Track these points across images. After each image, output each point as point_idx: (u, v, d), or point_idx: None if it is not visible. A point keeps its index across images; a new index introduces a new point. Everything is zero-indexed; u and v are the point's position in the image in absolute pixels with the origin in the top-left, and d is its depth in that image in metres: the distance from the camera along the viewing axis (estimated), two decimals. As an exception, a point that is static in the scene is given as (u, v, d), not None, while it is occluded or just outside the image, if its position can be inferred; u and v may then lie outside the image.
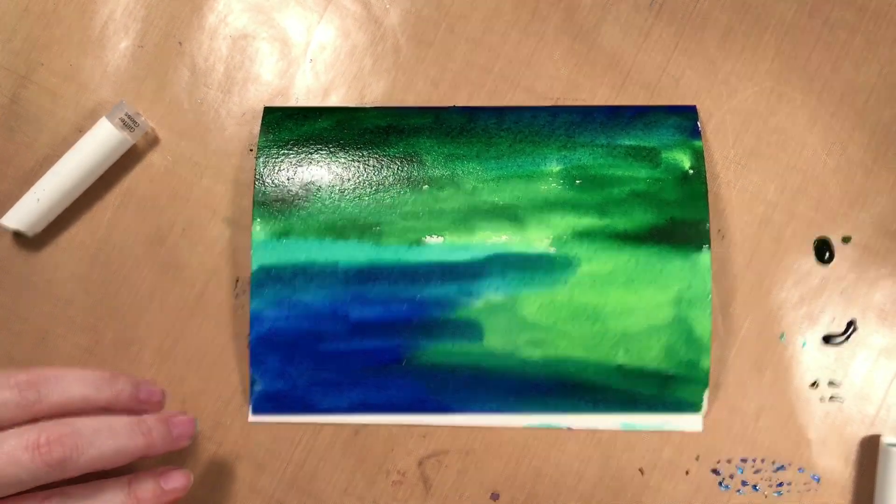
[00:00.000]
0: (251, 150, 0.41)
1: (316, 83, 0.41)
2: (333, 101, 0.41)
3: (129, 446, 0.31)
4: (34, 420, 0.30)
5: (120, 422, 0.31)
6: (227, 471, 0.39)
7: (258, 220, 0.39)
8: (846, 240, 0.39)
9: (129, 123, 0.39)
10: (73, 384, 0.31)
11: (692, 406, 0.38)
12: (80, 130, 0.40)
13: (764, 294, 0.39)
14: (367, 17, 0.42)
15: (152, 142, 0.41)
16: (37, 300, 0.40)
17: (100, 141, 0.39)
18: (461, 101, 0.41)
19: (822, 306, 0.39)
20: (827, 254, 0.39)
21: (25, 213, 0.39)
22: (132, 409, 0.33)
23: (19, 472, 0.28)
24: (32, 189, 0.39)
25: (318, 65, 0.41)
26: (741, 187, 0.40)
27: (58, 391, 0.30)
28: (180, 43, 0.41)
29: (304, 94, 0.41)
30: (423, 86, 0.41)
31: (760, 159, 0.40)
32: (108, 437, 0.30)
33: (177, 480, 0.33)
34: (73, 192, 0.39)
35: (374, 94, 0.41)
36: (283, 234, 0.39)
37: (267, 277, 0.38)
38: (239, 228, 0.40)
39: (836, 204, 0.39)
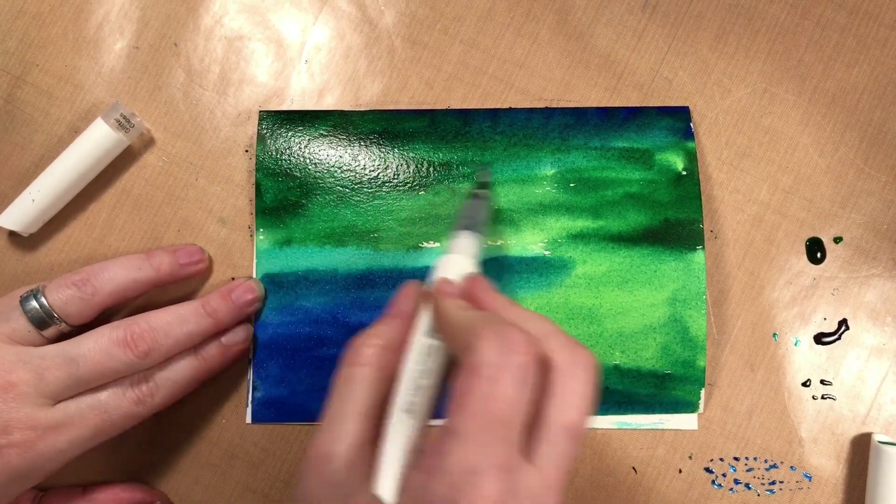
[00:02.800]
0: (246, 151, 0.41)
1: (311, 84, 0.41)
2: (328, 102, 0.41)
3: (198, 329, 0.36)
4: (97, 312, 0.36)
5: (188, 309, 0.36)
6: (223, 470, 0.39)
7: (261, 228, 0.39)
8: (838, 240, 0.39)
9: (124, 124, 0.39)
10: (118, 272, 0.36)
11: (689, 405, 0.38)
12: (76, 131, 0.40)
13: (756, 293, 0.39)
14: (362, 19, 0.42)
15: (148, 142, 0.41)
16: (32, 301, 0.40)
17: (95, 141, 0.39)
18: (455, 102, 0.41)
19: (813, 306, 0.39)
20: (819, 254, 0.39)
21: (21, 213, 0.39)
22: (178, 274, 0.38)
23: (117, 364, 0.34)
24: (28, 189, 0.39)
25: (313, 66, 0.41)
26: (734, 187, 0.40)
27: (107, 281, 0.35)
28: (176, 44, 0.41)
29: (299, 95, 0.41)
30: (418, 87, 0.41)
31: (753, 160, 0.40)
32: (179, 326, 0.35)
33: (237, 335, 0.38)
34: (68, 193, 0.39)
35: (368, 95, 0.41)
36: (286, 242, 0.39)
37: (271, 284, 0.39)
38: (234, 228, 0.40)
39: (828, 204, 0.40)
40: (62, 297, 0.34)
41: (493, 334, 0.25)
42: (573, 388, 0.26)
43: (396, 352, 0.31)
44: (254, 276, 0.39)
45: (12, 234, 0.40)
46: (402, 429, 0.28)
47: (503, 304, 0.29)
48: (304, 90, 0.41)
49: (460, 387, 0.25)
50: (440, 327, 0.30)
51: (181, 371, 0.36)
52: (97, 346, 0.34)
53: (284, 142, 0.40)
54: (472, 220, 0.34)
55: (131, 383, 0.35)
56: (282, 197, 0.39)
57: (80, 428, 0.33)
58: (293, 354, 0.39)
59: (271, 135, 0.40)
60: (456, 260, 0.32)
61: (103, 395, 0.34)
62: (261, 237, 0.39)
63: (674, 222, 0.38)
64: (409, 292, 0.33)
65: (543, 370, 0.26)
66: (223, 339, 0.38)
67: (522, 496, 0.24)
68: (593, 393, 0.26)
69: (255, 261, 0.39)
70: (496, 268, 0.38)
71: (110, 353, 0.34)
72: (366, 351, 0.30)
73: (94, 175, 0.40)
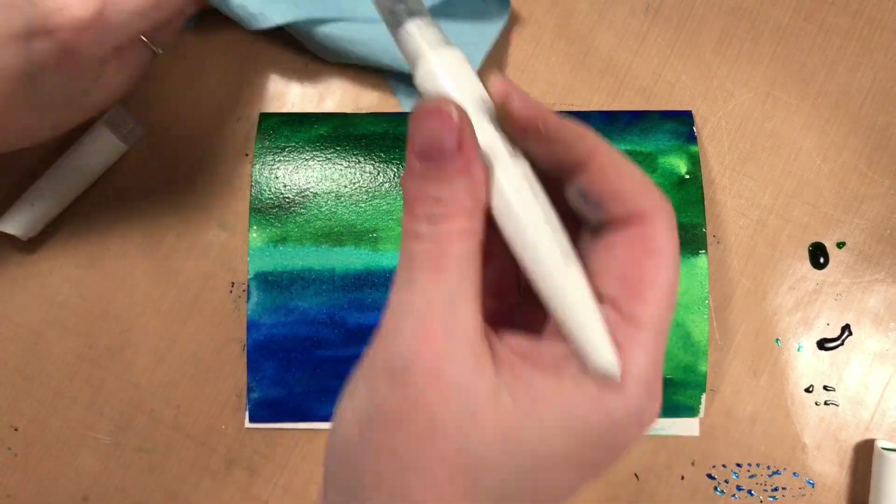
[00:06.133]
0: (246, 155, 0.41)
1: (311, 88, 0.41)
2: (328, 106, 0.41)
3: None
4: None
5: None
6: (222, 476, 0.39)
7: (255, 226, 0.39)
8: (841, 245, 0.39)
9: (123, 128, 0.39)
10: None
11: (690, 410, 0.38)
12: (74, 134, 0.40)
13: (759, 299, 0.39)
14: (363, 21, 0.41)
15: (147, 146, 0.41)
16: (31, 303, 0.40)
17: (94, 146, 0.39)
18: (457, 105, 0.41)
19: (816, 311, 0.39)
20: (822, 258, 0.39)
21: (19, 217, 0.39)
22: None
23: None
24: (26, 193, 0.39)
25: (313, 69, 0.41)
26: (736, 192, 0.40)
27: None
28: (175, 46, 0.41)
29: (299, 98, 0.41)
30: (419, 90, 0.41)
31: (756, 164, 0.40)
32: None
33: None
34: (67, 197, 0.39)
35: (368, 99, 0.41)
36: (280, 240, 0.39)
37: (264, 284, 0.38)
38: (234, 232, 0.40)
39: (831, 209, 0.39)
40: None
41: (664, 212, 0.21)
42: (673, 248, 0.22)
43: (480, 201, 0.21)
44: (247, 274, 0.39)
45: (11, 237, 0.40)
46: (572, 279, 0.21)
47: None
48: (304, 94, 0.41)
49: (645, 269, 0.21)
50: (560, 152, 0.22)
51: None
52: None
53: (283, 141, 0.40)
54: (410, 2, 0.23)
55: None
56: (278, 195, 0.39)
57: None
58: (289, 355, 0.38)
59: (270, 135, 0.40)
60: (450, 54, 0.22)
61: None
62: (254, 235, 0.39)
63: (677, 226, 0.38)
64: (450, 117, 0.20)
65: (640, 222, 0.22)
66: None
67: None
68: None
69: (248, 259, 0.39)
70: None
71: None
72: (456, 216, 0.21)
73: (94, 179, 0.40)
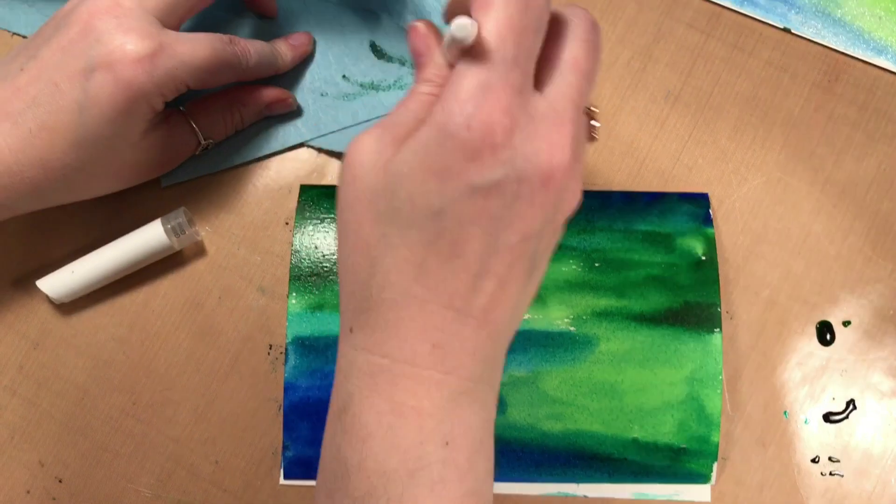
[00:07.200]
0: (287, 223, 0.43)
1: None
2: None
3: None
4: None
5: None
6: (257, 531, 0.41)
7: (294, 293, 0.41)
8: (846, 323, 0.42)
9: (179, 232, 0.41)
10: None
11: (702, 477, 0.40)
12: (137, 217, 0.42)
13: (769, 373, 0.41)
14: (400, 100, 0.44)
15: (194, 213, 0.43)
16: (77, 360, 0.42)
17: (147, 241, 0.41)
18: (487, 181, 0.43)
19: (823, 385, 0.41)
20: (828, 335, 0.42)
21: (59, 282, 0.41)
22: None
23: (231, 59, 0.38)
24: (71, 263, 0.41)
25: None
26: (749, 271, 0.42)
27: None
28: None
29: (338, 170, 0.43)
30: (451, 166, 0.43)
31: (768, 245, 0.42)
32: (265, 47, 0.41)
33: (300, 37, 0.43)
34: (108, 278, 0.41)
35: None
36: (318, 307, 0.41)
37: (301, 348, 0.41)
38: (273, 297, 0.42)
39: (838, 289, 0.42)
40: None
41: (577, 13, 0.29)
42: (580, 33, 0.29)
43: None
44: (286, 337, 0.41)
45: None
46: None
47: None
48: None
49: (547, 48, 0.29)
50: None
51: (264, 51, 0.40)
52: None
53: (323, 213, 0.42)
54: None
55: (231, 39, 0.38)
56: (316, 265, 0.41)
57: (191, 51, 0.36)
58: (323, 417, 0.40)
59: (310, 207, 0.42)
60: None
61: (209, 35, 0.37)
62: (293, 301, 0.41)
63: (693, 305, 0.40)
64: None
65: (554, 22, 0.29)
66: (290, 40, 0.43)
67: (532, 115, 0.27)
68: (599, 40, 0.30)
69: (287, 323, 0.41)
70: (522, 341, 0.40)
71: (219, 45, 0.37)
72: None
73: (137, 269, 0.42)
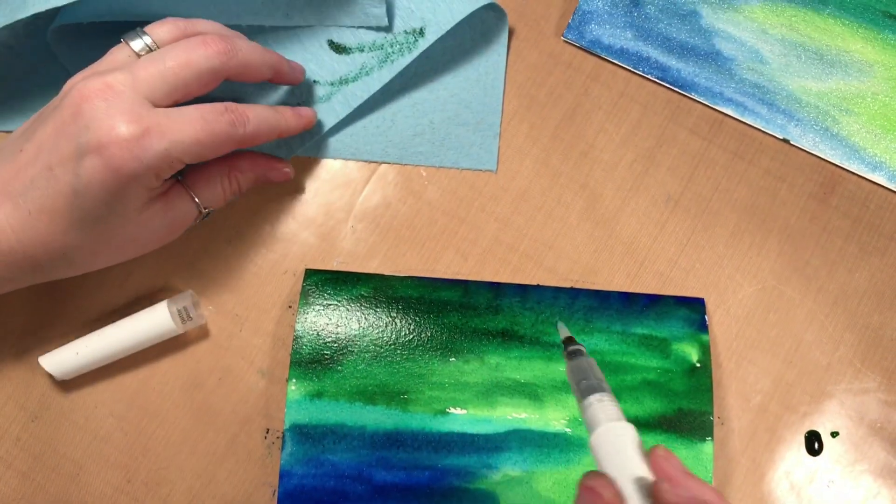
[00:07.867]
0: (290, 307, 0.44)
1: (355, 247, 0.44)
2: (371, 265, 0.44)
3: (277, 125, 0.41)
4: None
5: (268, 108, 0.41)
6: None
7: (294, 379, 0.42)
8: (835, 434, 0.42)
9: (186, 318, 0.42)
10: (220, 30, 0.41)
11: None
12: (142, 296, 0.43)
13: (758, 479, 0.42)
14: (408, 190, 0.45)
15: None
16: (74, 436, 0.42)
17: (152, 323, 0.41)
18: (488, 275, 0.44)
19: (809, 497, 0.42)
20: (816, 445, 0.42)
21: (62, 360, 0.41)
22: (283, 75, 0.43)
23: (200, 60, 0.37)
24: (75, 342, 0.41)
25: (358, 230, 0.45)
26: (741, 377, 0.43)
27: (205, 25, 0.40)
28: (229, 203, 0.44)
29: (343, 255, 0.44)
30: (454, 258, 0.44)
31: (760, 352, 0.43)
32: (266, 111, 0.40)
33: (309, 110, 0.43)
34: (110, 357, 0.42)
35: (407, 262, 0.44)
36: (317, 395, 0.41)
37: (299, 435, 0.41)
38: (272, 380, 0.43)
39: (827, 399, 0.43)
40: (163, 31, 0.38)
41: None
42: None
43: None
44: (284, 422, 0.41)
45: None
46: None
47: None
48: (349, 252, 0.44)
49: None
50: None
51: (264, 115, 0.40)
52: (183, 45, 0.37)
53: (327, 299, 0.43)
54: (593, 379, 0.32)
55: (226, 108, 0.38)
56: (318, 352, 0.42)
57: (181, 130, 0.36)
58: None
59: (314, 292, 0.43)
60: (619, 429, 0.30)
61: (201, 107, 0.37)
62: (293, 387, 0.42)
63: (687, 412, 0.41)
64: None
65: None
66: (298, 111, 0.43)
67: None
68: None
69: (285, 409, 0.42)
70: (518, 440, 0.41)
71: (195, 51, 0.37)
72: None
73: (140, 350, 0.42)
